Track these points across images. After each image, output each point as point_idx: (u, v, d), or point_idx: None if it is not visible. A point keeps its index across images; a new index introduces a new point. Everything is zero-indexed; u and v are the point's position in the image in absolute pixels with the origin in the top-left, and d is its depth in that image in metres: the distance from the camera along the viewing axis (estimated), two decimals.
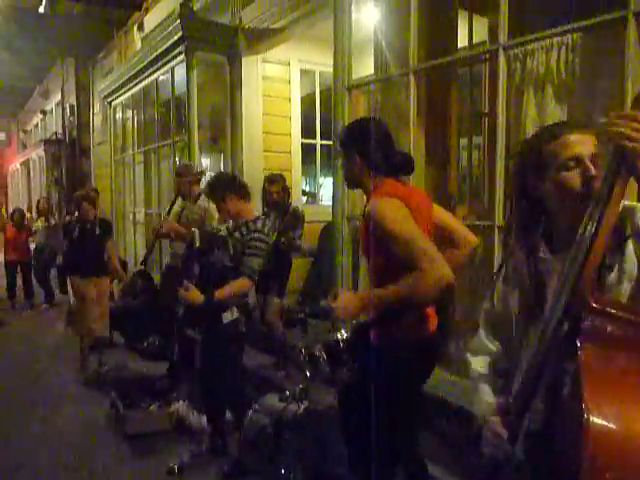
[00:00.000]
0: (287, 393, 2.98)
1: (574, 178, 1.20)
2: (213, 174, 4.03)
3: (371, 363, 2.02)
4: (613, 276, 1.18)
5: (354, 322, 2.21)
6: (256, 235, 3.07)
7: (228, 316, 3.08)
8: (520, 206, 1.33)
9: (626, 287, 1.18)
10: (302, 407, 2.85)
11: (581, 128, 1.25)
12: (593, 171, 1.18)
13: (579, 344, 1.00)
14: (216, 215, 4.62)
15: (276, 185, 4.60)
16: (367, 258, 2.18)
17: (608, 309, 1.03)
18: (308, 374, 2.29)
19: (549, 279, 1.26)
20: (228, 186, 3.21)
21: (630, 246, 1.17)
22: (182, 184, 4.60)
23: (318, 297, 5.41)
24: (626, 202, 1.19)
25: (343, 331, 2.14)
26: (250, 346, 4.98)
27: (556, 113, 2.98)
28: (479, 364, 1.48)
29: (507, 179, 3.12)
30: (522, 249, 1.33)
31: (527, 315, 1.31)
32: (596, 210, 1.05)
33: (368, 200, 2.09)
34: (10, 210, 10.56)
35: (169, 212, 4.74)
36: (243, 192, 3.21)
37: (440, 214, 2.27)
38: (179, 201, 4.72)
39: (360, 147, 2.12)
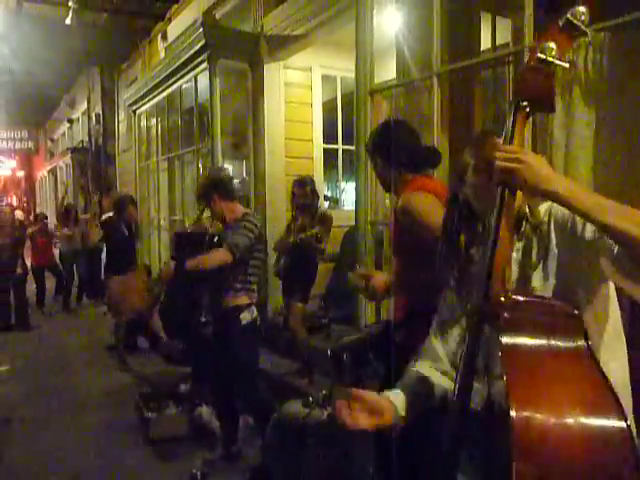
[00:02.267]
0: (310, 399, 2.96)
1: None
2: (237, 180, 4.08)
3: (397, 364, 1.99)
4: (537, 275, 1.26)
5: (378, 324, 2.19)
6: (244, 224, 3.09)
7: (247, 317, 3.08)
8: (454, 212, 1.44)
9: (551, 283, 1.25)
10: (326, 413, 2.83)
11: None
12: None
13: (500, 340, 1.06)
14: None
15: (303, 188, 4.61)
16: (396, 255, 2.17)
17: (516, 300, 1.11)
18: (333, 377, 2.27)
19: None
20: (213, 187, 3.22)
21: (553, 242, 1.25)
22: None
23: (340, 302, 5.42)
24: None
25: (366, 333, 2.13)
26: (273, 352, 5.00)
27: (584, 114, 2.92)
28: (423, 367, 1.48)
29: None
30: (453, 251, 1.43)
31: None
32: (491, 219, 1.15)
33: (399, 196, 2.08)
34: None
35: (199, 218, 4.79)
36: (227, 191, 3.22)
37: None
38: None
39: (391, 148, 2.12)
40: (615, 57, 2.80)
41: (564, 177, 1.19)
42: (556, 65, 1.14)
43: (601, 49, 2.82)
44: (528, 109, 1.18)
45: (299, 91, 6.66)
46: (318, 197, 4.82)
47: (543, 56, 1.13)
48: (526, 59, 1.18)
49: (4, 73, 12.63)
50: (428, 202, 1.96)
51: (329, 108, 6.99)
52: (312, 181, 4.76)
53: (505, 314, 1.08)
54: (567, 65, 1.17)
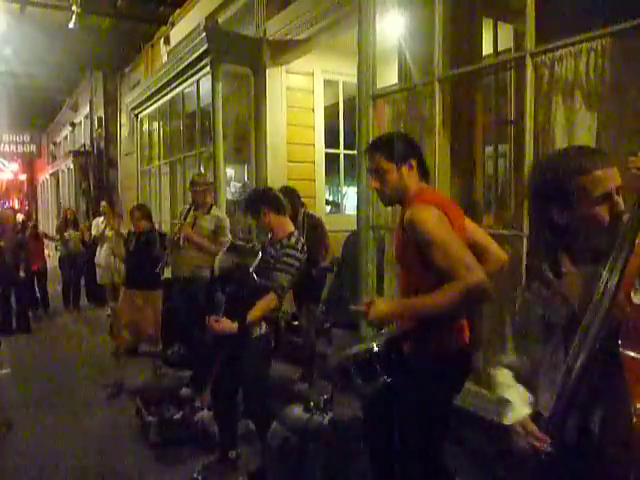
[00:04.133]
0: (312, 404, 2.95)
1: (603, 213, 1.26)
2: (239, 184, 4.08)
3: (404, 375, 1.99)
4: None
5: (385, 332, 2.18)
6: (288, 251, 3.02)
7: (257, 330, 3.06)
8: (544, 233, 1.37)
9: None
10: (327, 418, 2.82)
11: (608, 160, 1.29)
12: (622, 206, 1.25)
13: (620, 344, 1.07)
14: (228, 224, 4.70)
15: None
16: (401, 266, 2.16)
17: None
18: (338, 385, 2.26)
19: (572, 290, 1.31)
20: (264, 200, 3.19)
21: None
22: (197, 194, 4.70)
23: (342, 307, 5.41)
24: None
25: (374, 343, 2.12)
26: (276, 357, 4.99)
27: (586, 120, 2.92)
28: (506, 377, 1.47)
29: None
30: (549, 270, 1.36)
31: (550, 331, 1.36)
32: (629, 235, 1.14)
33: (406, 208, 2.07)
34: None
35: (184, 219, 4.83)
36: (278, 206, 3.17)
37: (472, 228, 2.24)
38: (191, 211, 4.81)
39: (411, 158, 2.12)
40: (616, 62, 2.81)
41: None
42: None
43: (602, 54, 2.83)
44: None
45: (301, 96, 6.68)
46: (299, 206, 4.61)
47: None
48: None
49: (7, 76, 12.67)
50: (435, 218, 1.94)
51: (331, 113, 7.00)
52: (290, 191, 4.53)
53: (630, 324, 1.09)
54: None
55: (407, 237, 2.01)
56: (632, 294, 1.17)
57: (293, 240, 3.07)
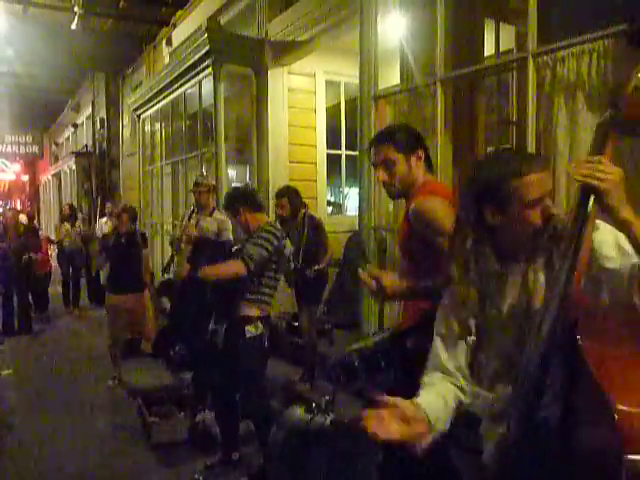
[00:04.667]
0: (313, 405, 2.95)
1: (536, 215, 1.30)
2: (238, 185, 4.09)
3: (407, 371, 1.98)
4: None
5: (388, 329, 2.18)
6: (262, 231, 3.06)
7: (252, 330, 3.06)
8: (476, 231, 1.39)
9: (604, 297, 1.27)
10: (328, 419, 2.82)
11: (541, 165, 1.34)
12: (553, 209, 1.30)
13: (579, 341, 1.09)
14: (230, 226, 4.71)
15: (279, 200, 4.55)
16: (405, 258, 2.15)
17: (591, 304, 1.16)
18: (340, 380, 2.25)
19: (503, 286, 1.38)
20: (240, 200, 3.23)
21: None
22: (200, 195, 4.70)
23: (343, 307, 5.41)
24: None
25: (378, 338, 2.12)
26: (277, 358, 5.00)
27: (588, 121, 2.92)
28: (441, 381, 1.47)
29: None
30: (475, 270, 1.39)
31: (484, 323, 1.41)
32: (575, 228, 1.18)
33: (411, 200, 2.07)
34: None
35: (188, 220, 4.84)
36: (255, 204, 3.23)
37: None
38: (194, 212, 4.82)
39: (419, 149, 2.11)
40: (618, 62, 2.80)
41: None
42: None
43: (604, 55, 2.83)
44: (620, 131, 1.20)
45: (303, 96, 6.68)
46: (300, 206, 4.61)
47: None
48: (629, 80, 1.20)
49: (9, 77, 12.71)
50: (442, 207, 1.94)
51: (332, 114, 7.01)
52: (290, 192, 4.57)
53: (585, 319, 1.11)
54: None
55: (412, 228, 2.00)
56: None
57: (268, 225, 3.13)
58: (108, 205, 7.77)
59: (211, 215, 4.73)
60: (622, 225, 1.16)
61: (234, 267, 2.96)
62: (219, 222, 4.66)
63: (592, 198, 1.17)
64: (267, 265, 3.07)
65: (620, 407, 0.98)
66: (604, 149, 1.19)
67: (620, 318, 1.20)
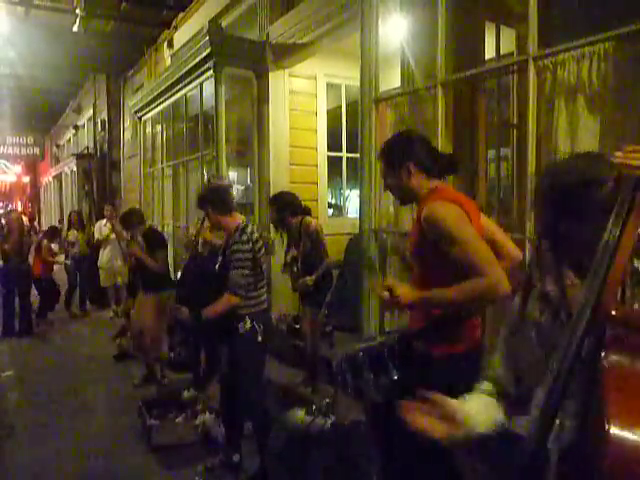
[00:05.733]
0: (314, 407, 2.95)
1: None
2: (242, 187, 4.07)
3: (414, 372, 1.98)
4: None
5: (395, 331, 2.18)
6: (235, 247, 3.07)
7: (245, 326, 3.09)
8: (554, 244, 1.28)
9: None
10: (329, 422, 2.82)
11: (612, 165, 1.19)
12: None
13: (603, 354, 0.98)
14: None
15: (270, 207, 4.56)
16: (416, 264, 2.15)
17: (631, 318, 1.02)
18: (343, 379, 2.24)
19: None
20: (208, 201, 3.23)
21: None
22: None
23: (344, 310, 5.41)
24: None
25: (384, 338, 2.12)
26: (279, 361, 5.00)
27: (588, 124, 2.93)
28: (487, 387, 1.42)
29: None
30: (554, 281, 1.28)
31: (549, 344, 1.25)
32: (616, 227, 1.05)
33: (421, 206, 2.07)
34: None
35: (202, 224, 4.80)
36: (220, 206, 3.20)
37: (488, 225, 2.24)
38: None
39: (414, 155, 2.13)
40: (619, 66, 2.81)
41: None
42: None
43: (605, 58, 2.83)
44: None
45: (304, 99, 6.69)
46: (289, 214, 4.54)
47: None
48: None
49: (11, 79, 12.72)
50: (454, 213, 1.94)
51: (333, 116, 7.01)
52: (278, 200, 4.54)
53: (614, 329, 1.00)
54: None
55: (424, 234, 2.00)
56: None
57: (237, 235, 3.11)
58: (107, 207, 7.77)
59: None
60: None
61: (228, 301, 3.06)
62: None
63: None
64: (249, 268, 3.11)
65: (614, 429, 0.89)
66: None
67: None
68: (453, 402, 1.28)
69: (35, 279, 7.79)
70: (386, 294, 1.93)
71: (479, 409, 1.34)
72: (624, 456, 0.88)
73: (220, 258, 3.22)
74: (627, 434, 0.89)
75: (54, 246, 8.55)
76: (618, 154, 1.06)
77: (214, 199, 3.22)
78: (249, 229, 3.17)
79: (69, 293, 8.52)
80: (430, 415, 1.24)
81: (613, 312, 1.02)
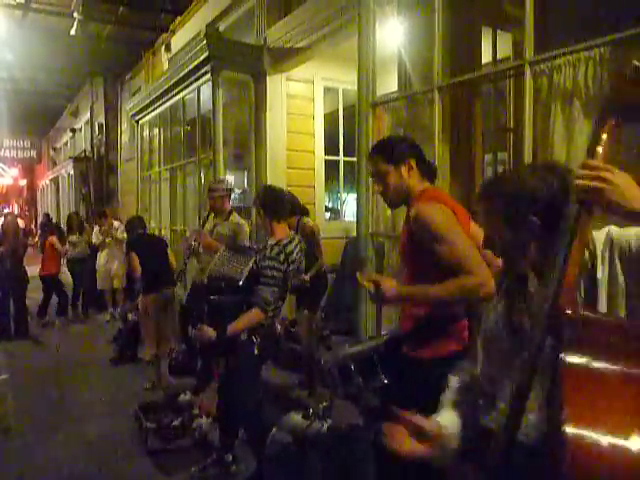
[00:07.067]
0: (311, 411, 2.95)
1: None
2: (239, 191, 4.05)
3: (403, 376, 1.98)
4: (602, 293, 1.21)
5: (385, 334, 2.19)
6: (269, 263, 2.96)
7: (242, 336, 3.06)
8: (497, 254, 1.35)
9: (621, 302, 1.20)
10: (325, 425, 2.82)
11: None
12: None
13: (561, 355, 1.00)
14: (247, 230, 4.67)
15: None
16: (405, 264, 2.16)
17: (584, 316, 1.06)
18: (338, 387, 2.25)
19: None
20: (262, 203, 3.16)
21: (618, 269, 1.20)
22: (215, 200, 4.62)
23: (341, 314, 5.41)
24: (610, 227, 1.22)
25: (374, 343, 2.12)
26: (275, 364, 4.99)
27: (584, 129, 2.94)
28: (454, 381, 1.46)
29: None
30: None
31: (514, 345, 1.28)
32: (567, 237, 1.07)
33: (411, 206, 2.08)
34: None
35: (202, 225, 4.79)
36: (272, 212, 3.12)
37: (477, 231, 2.25)
38: (211, 217, 4.75)
39: (415, 152, 2.15)
40: (614, 70, 2.82)
41: None
42: None
43: (601, 63, 2.85)
44: (616, 120, 1.09)
45: (301, 103, 6.71)
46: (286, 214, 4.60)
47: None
48: (621, 70, 1.13)
49: (8, 82, 12.73)
50: (443, 214, 1.96)
51: (331, 120, 7.04)
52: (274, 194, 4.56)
53: (571, 330, 1.02)
54: None
55: (413, 234, 2.01)
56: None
57: (275, 251, 2.98)
58: (102, 227, 7.75)
59: (227, 219, 4.63)
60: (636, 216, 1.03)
61: (254, 317, 2.95)
62: (236, 226, 4.55)
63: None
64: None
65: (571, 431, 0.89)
66: (600, 135, 1.08)
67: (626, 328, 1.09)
68: (427, 420, 1.30)
69: (44, 278, 7.79)
70: (371, 287, 1.95)
71: (453, 421, 1.36)
72: (582, 456, 0.89)
73: (251, 266, 3.11)
74: (584, 433, 0.90)
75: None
76: (579, 172, 1.06)
77: (267, 202, 3.16)
78: (289, 249, 3.05)
79: (75, 295, 8.47)
80: (409, 435, 1.25)
81: (568, 311, 1.04)
